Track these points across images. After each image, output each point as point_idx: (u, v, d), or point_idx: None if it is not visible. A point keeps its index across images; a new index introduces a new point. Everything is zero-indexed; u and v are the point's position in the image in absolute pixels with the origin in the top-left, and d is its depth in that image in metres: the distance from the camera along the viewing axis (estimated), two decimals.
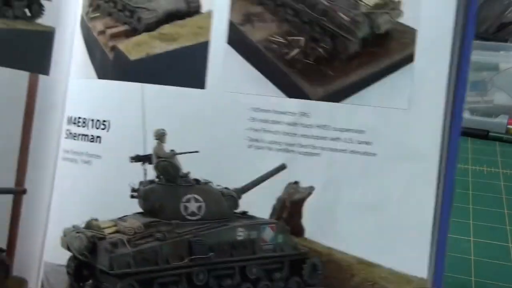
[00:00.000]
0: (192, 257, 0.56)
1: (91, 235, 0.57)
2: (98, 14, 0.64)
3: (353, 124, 0.51)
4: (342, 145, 0.51)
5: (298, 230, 0.52)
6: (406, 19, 0.51)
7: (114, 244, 0.56)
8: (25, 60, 0.60)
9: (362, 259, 0.50)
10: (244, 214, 0.56)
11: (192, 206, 0.57)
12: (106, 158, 0.60)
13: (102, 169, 0.60)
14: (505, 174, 0.83)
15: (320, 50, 0.54)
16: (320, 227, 0.52)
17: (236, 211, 0.56)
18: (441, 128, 0.49)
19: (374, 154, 0.50)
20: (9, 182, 0.60)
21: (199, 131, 0.57)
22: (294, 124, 0.53)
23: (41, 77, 0.61)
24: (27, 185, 0.61)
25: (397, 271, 0.48)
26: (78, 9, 0.63)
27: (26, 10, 0.62)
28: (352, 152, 0.51)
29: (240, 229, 0.55)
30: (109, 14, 0.64)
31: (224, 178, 0.56)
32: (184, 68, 0.57)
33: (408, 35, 0.51)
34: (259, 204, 0.55)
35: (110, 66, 0.61)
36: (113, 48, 0.61)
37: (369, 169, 0.50)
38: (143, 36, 0.61)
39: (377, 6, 0.53)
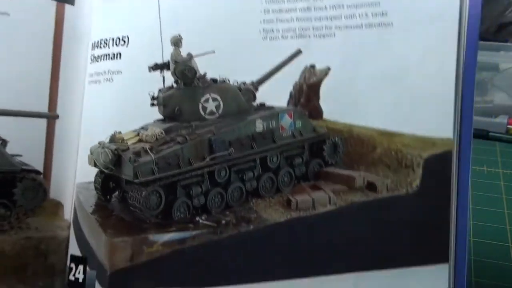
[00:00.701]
0: (213, 155, 0.57)
1: (115, 148, 0.58)
2: None
3: None
4: (357, 21, 0.50)
5: (316, 113, 0.51)
6: None
7: (137, 153, 0.57)
8: None
9: (383, 130, 0.48)
10: (262, 105, 0.56)
11: (211, 106, 0.58)
12: (127, 72, 0.61)
13: (124, 83, 0.61)
14: (505, 174, 0.81)
15: None
16: (339, 106, 0.50)
17: (254, 103, 0.56)
18: None
19: (390, 24, 0.49)
20: (43, 107, 0.62)
21: (214, 31, 0.57)
22: (307, 9, 0.53)
23: (67, 7, 0.63)
24: (59, 111, 0.63)
25: (420, 136, 0.47)
26: None
27: None
28: (368, 26, 0.50)
29: (258, 121, 0.55)
30: None
31: (241, 74, 0.56)
32: None
33: None
34: (276, 93, 0.54)
35: None
36: None
37: (386, 40, 0.49)
38: None
39: None
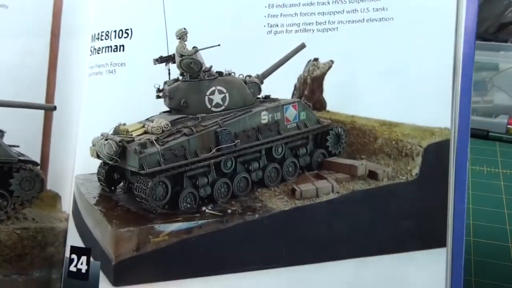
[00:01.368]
0: (219, 146, 0.58)
1: (119, 139, 0.59)
2: None
3: None
4: (359, 16, 0.52)
5: (320, 105, 0.53)
6: None
7: (143, 145, 0.57)
8: None
9: (384, 121, 0.50)
10: (267, 98, 0.57)
11: (216, 98, 0.59)
12: (130, 65, 0.61)
13: (128, 75, 0.62)
14: (505, 174, 0.80)
15: None
16: (342, 98, 0.52)
17: (259, 96, 0.57)
18: None
19: (391, 19, 0.51)
20: (40, 99, 0.62)
21: (219, 25, 0.58)
22: (311, 3, 0.54)
23: None
24: (57, 102, 0.62)
25: (420, 126, 0.49)
26: None
27: None
28: (369, 20, 0.52)
29: (263, 113, 0.56)
30: None
31: (247, 67, 0.57)
32: None
33: None
34: (281, 86, 0.56)
35: None
36: None
37: (387, 35, 0.50)
38: None
39: None
